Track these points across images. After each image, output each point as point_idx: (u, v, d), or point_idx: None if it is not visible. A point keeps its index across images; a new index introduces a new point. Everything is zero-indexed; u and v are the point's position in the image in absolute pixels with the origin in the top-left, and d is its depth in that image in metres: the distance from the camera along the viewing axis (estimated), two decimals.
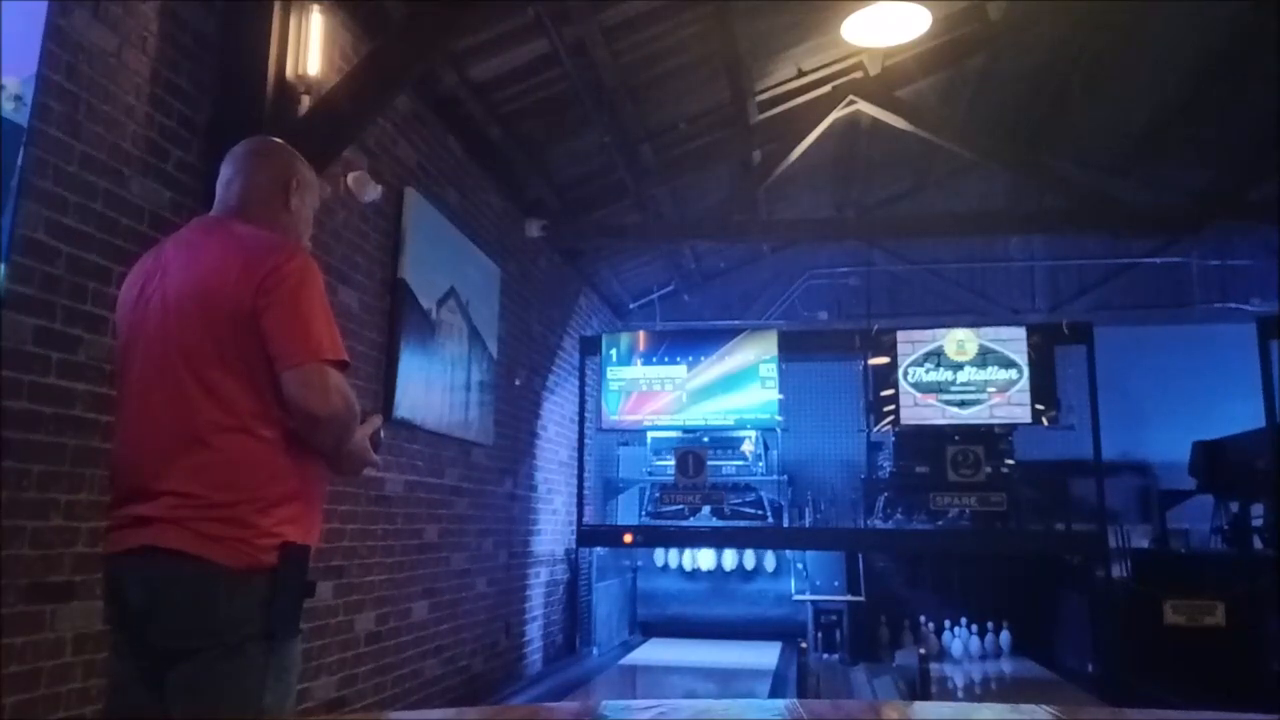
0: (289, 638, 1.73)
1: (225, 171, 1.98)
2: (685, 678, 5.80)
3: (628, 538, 6.46)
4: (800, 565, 6.60)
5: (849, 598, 6.40)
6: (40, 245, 2.44)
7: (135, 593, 1.72)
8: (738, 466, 6.67)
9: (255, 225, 1.88)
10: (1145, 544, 6.42)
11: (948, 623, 6.41)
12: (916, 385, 6.30)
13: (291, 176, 1.97)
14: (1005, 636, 6.32)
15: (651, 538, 6.59)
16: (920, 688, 4.79)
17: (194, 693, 1.68)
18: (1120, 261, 8.21)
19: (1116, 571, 5.91)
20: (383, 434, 2.04)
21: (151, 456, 1.74)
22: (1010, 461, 6.15)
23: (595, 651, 6.38)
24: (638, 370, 6.73)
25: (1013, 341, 6.27)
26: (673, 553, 7.00)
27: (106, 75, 2.68)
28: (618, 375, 6.74)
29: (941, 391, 6.26)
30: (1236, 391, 6.24)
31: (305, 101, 3.31)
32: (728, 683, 5.54)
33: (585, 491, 6.85)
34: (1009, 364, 6.22)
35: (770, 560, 6.88)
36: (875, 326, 6.65)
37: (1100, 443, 5.92)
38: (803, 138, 5.76)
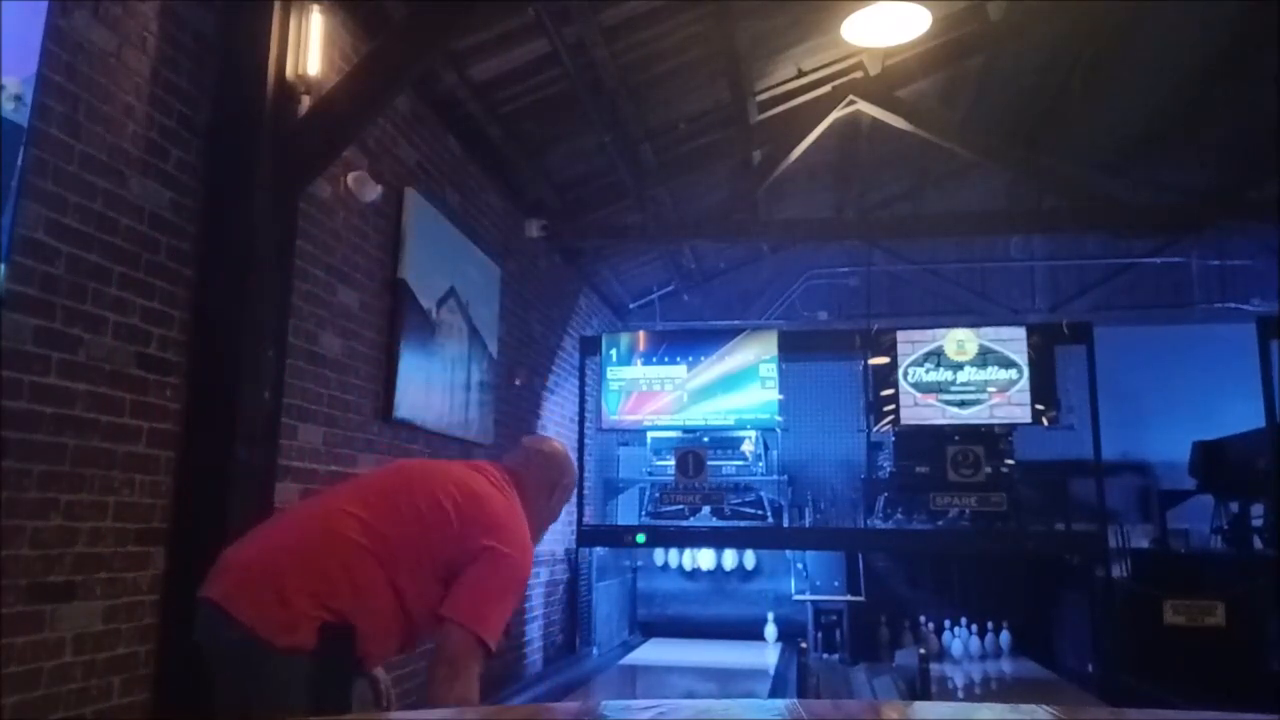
0: None
1: (519, 450, 2.49)
2: (685, 678, 5.79)
3: (640, 537, 6.45)
4: (800, 565, 6.60)
5: (849, 598, 6.40)
6: (40, 245, 2.44)
7: None
8: (738, 466, 6.66)
9: (523, 501, 2.29)
10: (1145, 544, 6.42)
11: (948, 623, 6.40)
12: (916, 385, 6.29)
13: (560, 482, 2.45)
14: (1005, 636, 6.31)
15: (651, 538, 6.58)
16: (920, 688, 4.78)
17: None
18: (1120, 261, 8.21)
19: (1116, 571, 5.91)
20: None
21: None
22: (1010, 461, 6.14)
23: (595, 651, 6.37)
24: (638, 370, 6.73)
25: (1013, 341, 6.26)
26: (672, 553, 6.99)
27: (106, 75, 2.68)
28: (618, 375, 6.73)
29: (941, 391, 6.26)
30: (1236, 391, 6.23)
31: (305, 101, 3.31)
32: (728, 683, 5.54)
33: (585, 491, 6.84)
34: (1009, 364, 6.22)
35: (750, 559, 6.89)
36: (875, 326, 6.64)
37: (1100, 443, 5.91)
38: (803, 138, 5.76)
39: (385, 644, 2.08)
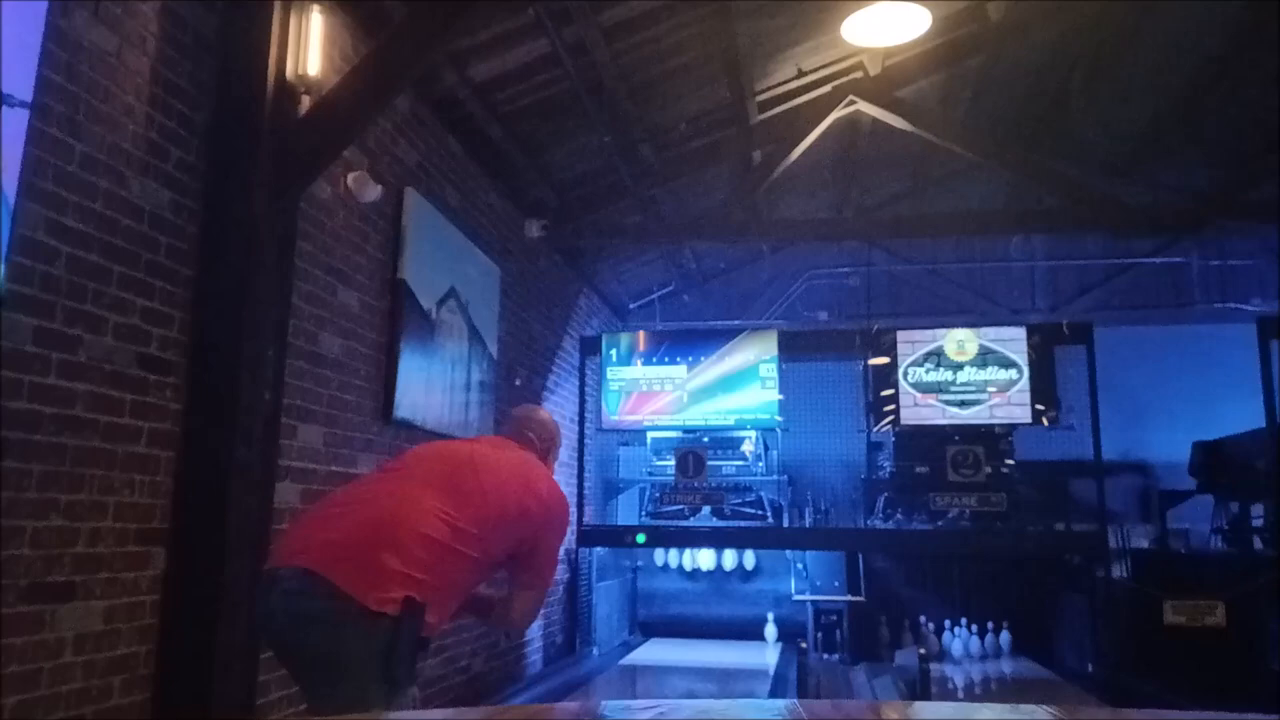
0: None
1: (512, 423, 2.71)
2: (685, 678, 5.79)
3: (641, 537, 6.45)
4: (800, 565, 6.60)
5: (849, 598, 6.40)
6: (40, 245, 2.44)
7: None
8: (738, 466, 6.67)
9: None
10: (1145, 544, 6.42)
11: (948, 623, 6.41)
12: (916, 385, 6.30)
13: (553, 446, 2.69)
14: (1005, 636, 6.31)
15: (651, 538, 6.59)
16: (920, 688, 4.79)
17: None
18: (1120, 261, 8.21)
19: (1116, 571, 5.91)
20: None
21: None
22: (1010, 461, 6.15)
23: (595, 651, 6.38)
24: (638, 370, 6.73)
25: (1013, 341, 6.27)
26: (673, 553, 6.99)
27: (106, 75, 2.67)
28: (618, 375, 6.74)
29: (941, 391, 6.26)
30: (1236, 391, 6.24)
31: (305, 101, 3.31)
32: (728, 683, 5.54)
33: (585, 492, 6.85)
34: (1009, 364, 6.22)
35: (750, 559, 6.89)
36: (875, 326, 6.65)
37: (1100, 443, 5.92)
38: (803, 138, 5.76)
39: (443, 618, 2.23)
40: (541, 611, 6.36)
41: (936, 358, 6.31)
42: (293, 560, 2.10)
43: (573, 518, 6.78)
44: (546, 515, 2.40)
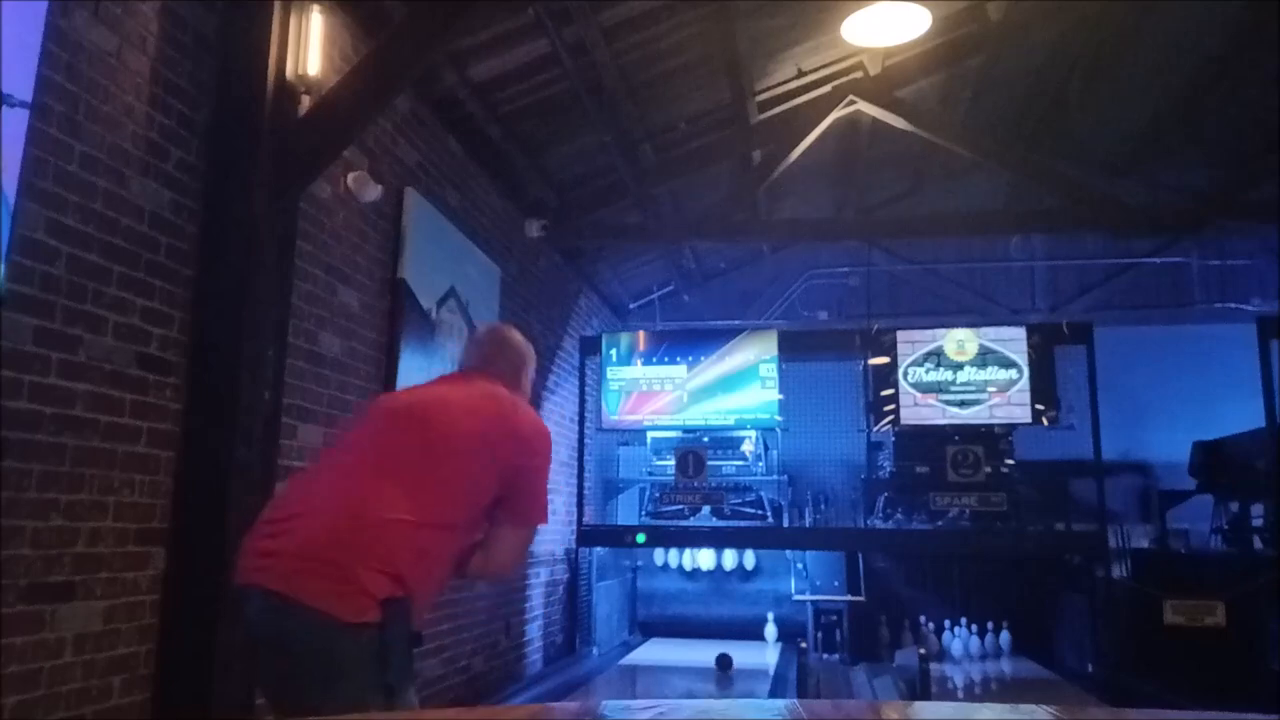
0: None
1: (474, 348, 2.47)
2: (685, 678, 5.79)
3: (640, 537, 6.45)
4: (800, 565, 6.60)
5: (849, 598, 6.40)
6: (40, 245, 2.44)
7: None
8: (738, 466, 6.67)
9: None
10: (1145, 544, 6.42)
11: (948, 623, 6.41)
12: (916, 385, 6.30)
13: (524, 365, 2.43)
14: (1005, 636, 6.31)
15: (651, 538, 6.58)
16: (920, 688, 4.79)
17: None
18: (1120, 261, 8.21)
19: (1116, 571, 5.91)
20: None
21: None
22: (1010, 461, 6.15)
23: (595, 651, 6.38)
24: (638, 370, 6.73)
25: (1013, 341, 6.27)
26: (673, 553, 6.99)
27: (106, 75, 2.68)
28: (618, 375, 6.73)
29: (941, 391, 6.26)
30: (1236, 391, 6.24)
31: (305, 101, 3.31)
32: (728, 683, 5.54)
33: (585, 491, 6.85)
34: (1009, 364, 6.22)
35: (750, 559, 6.89)
36: (875, 326, 6.65)
37: (1100, 443, 5.92)
38: (803, 138, 5.76)
39: (433, 596, 2.13)
40: (541, 611, 6.43)
41: (936, 358, 6.31)
42: (258, 578, 1.95)
43: (572, 518, 6.83)
44: (524, 451, 2.18)
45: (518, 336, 2.48)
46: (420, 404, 2.22)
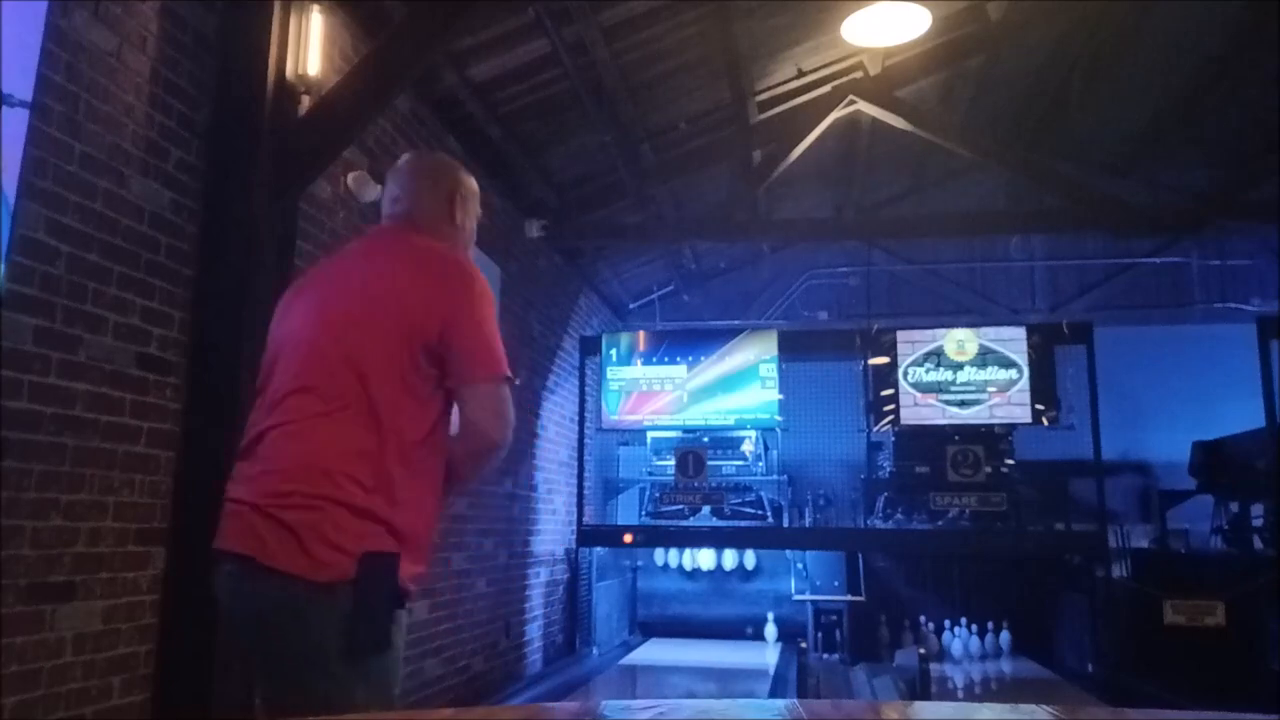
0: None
1: (391, 188, 2.00)
2: (685, 678, 5.79)
3: (627, 538, 6.46)
4: (800, 565, 6.60)
5: (849, 598, 6.40)
6: (40, 245, 2.44)
7: None
8: (738, 466, 6.67)
9: (434, 238, 1.91)
10: (1145, 544, 6.43)
11: (948, 623, 6.41)
12: (916, 385, 6.30)
13: (456, 190, 2.00)
14: (1005, 636, 6.31)
15: (651, 538, 6.59)
16: (920, 688, 4.79)
17: None
18: (1120, 261, 8.21)
19: (1116, 571, 5.92)
20: None
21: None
22: (1010, 461, 6.15)
23: (595, 651, 6.38)
24: (638, 370, 6.73)
25: (1013, 341, 6.27)
26: (673, 553, 6.99)
27: (106, 75, 2.67)
28: (618, 375, 6.74)
29: (941, 391, 6.26)
30: (1236, 391, 6.24)
31: (305, 101, 3.31)
32: (728, 683, 5.54)
33: (585, 491, 6.85)
34: (1009, 364, 6.23)
35: (750, 559, 6.89)
36: (875, 326, 6.65)
37: (1100, 443, 5.92)
38: (803, 138, 5.76)
39: (424, 526, 1.76)
40: (541, 611, 6.44)
41: (936, 358, 6.31)
42: (225, 542, 1.70)
43: (572, 518, 6.83)
44: (441, 300, 1.76)
45: (437, 159, 2.11)
46: (322, 290, 1.86)
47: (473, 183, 2.06)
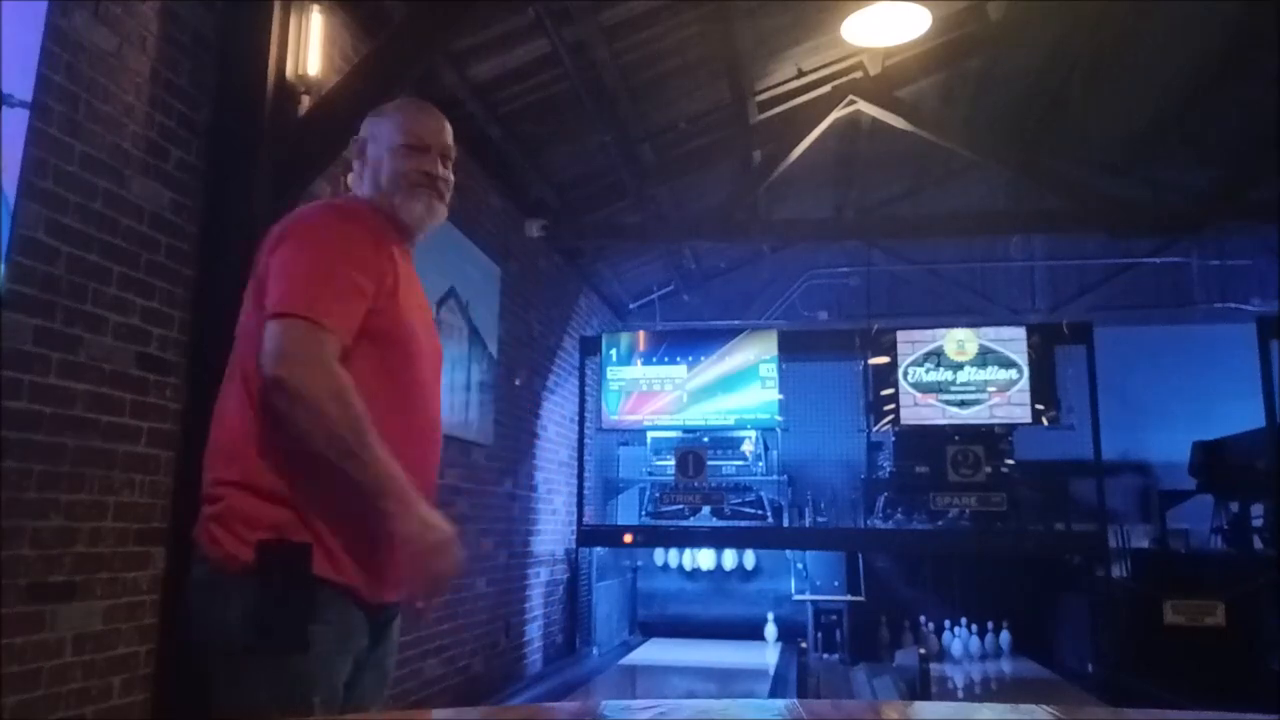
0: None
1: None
2: (685, 678, 5.79)
3: (627, 538, 6.46)
4: (800, 565, 6.60)
5: (849, 598, 6.40)
6: (40, 245, 2.44)
7: None
8: (738, 466, 6.67)
9: (372, 194, 1.96)
10: (1145, 544, 6.43)
11: (948, 623, 6.41)
12: (916, 385, 6.30)
13: (384, 136, 1.91)
14: (1005, 636, 6.31)
15: (651, 538, 6.59)
16: (920, 688, 4.79)
17: None
18: (1120, 261, 8.21)
19: (1116, 571, 5.92)
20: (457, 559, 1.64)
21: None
22: (1010, 461, 6.15)
23: (595, 651, 6.38)
24: (638, 370, 6.73)
25: (1013, 341, 6.27)
26: (673, 553, 6.99)
27: (106, 75, 2.67)
28: (618, 375, 6.74)
29: (941, 391, 6.26)
30: (1236, 391, 6.24)
31: (305, 101, 3.31)
32: (728, 683, 5.54)
33: (585, 491, 6.85)
34: (1009, 364, 6.22)
35: (750, 559, 6.89)
36: (875, 326, 6.65)
37: (1100, 443, 5.92)
38: (803, 138, 5.76)
39: (351, 526, 1.57)
40: (541, 611, 6.44)
41: (936, 358, 6.31)
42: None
43: (572, 518, 6.83)
44: (276, 250, 1.73)
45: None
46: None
47: (378, 122, 1.96)
